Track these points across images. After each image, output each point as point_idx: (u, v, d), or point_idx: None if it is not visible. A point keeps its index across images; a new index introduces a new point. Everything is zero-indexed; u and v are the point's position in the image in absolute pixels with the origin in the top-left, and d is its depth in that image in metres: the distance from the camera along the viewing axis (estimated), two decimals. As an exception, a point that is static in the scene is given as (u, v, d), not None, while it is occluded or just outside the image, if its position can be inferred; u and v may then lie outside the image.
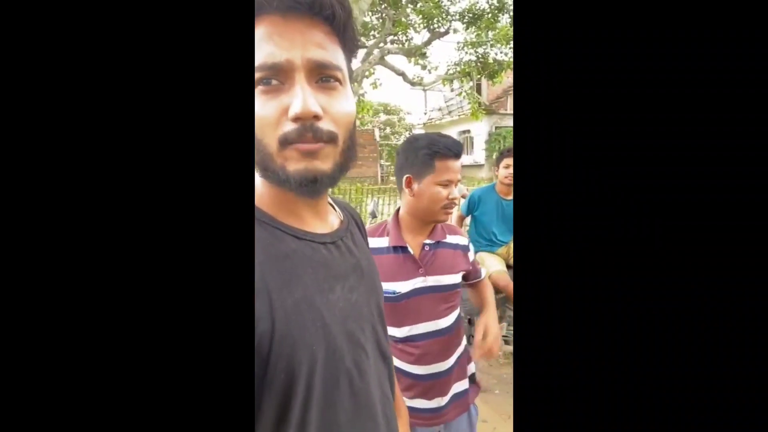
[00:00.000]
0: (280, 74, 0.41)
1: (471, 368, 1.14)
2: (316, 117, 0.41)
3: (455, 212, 3.40)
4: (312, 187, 0.43)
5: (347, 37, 0.46)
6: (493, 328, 1.08)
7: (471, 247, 1.13)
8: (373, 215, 3.94)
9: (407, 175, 1.01)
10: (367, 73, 6.14)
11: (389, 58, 6.50)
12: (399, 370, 1.02)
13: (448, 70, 7.16)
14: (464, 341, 1.11)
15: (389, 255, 1.01)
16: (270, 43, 0.41)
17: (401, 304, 0.99)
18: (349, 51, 0.48)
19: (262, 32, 0.41)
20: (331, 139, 0.43)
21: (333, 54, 0.44)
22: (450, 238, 1.07)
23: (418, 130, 18.91)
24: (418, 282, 0.99)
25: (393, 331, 1.01)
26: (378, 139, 13.42)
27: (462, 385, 1.08)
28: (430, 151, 0.97)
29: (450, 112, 15.95)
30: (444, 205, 0.98)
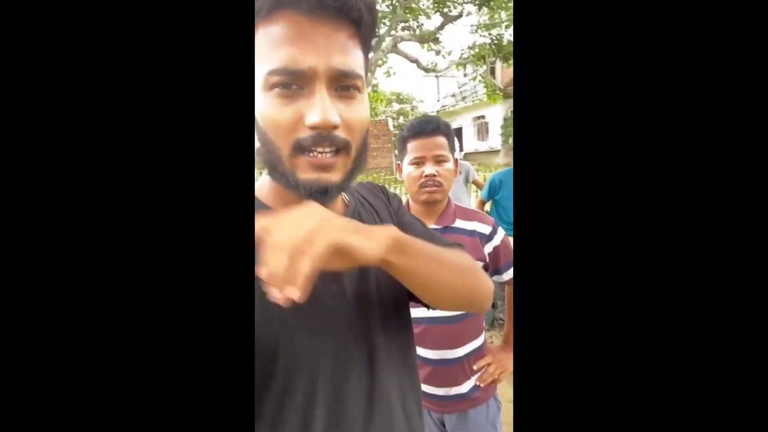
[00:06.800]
0: (301, 80, 0.41)
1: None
2: (334, 127, 0.41)
3: (474, 198, 3.37)
4: (322, 197, 0.43)
5: (369, 41, 0.46)
6: (503, 363, 1.06)
7: (497, 237, 1.05)
8: None
9: (398, 163, 1.06)
10: (380, 62, 6.11)
11: (402, 46, 6.44)
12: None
13: (462, 54, 7.06)
14: (482, 338, 1.07)
15: None
16: (292, 47, 0.40)
17: None
18: (368, 51, 0.47)
19: (283, 33, 0.40)
20: (345, 147, 0.43)
21: (355, 60, 0.43)
22: (462, 224, 1.03)
23: (433, 118, 18.65)
24: None
25: None
26: (392, 128, 13.35)
27: (470, 384, 1.03)
28: (402, 136, 1.03)
29: (464, 98, 15.70)
30: (420, 183, 0.98)
